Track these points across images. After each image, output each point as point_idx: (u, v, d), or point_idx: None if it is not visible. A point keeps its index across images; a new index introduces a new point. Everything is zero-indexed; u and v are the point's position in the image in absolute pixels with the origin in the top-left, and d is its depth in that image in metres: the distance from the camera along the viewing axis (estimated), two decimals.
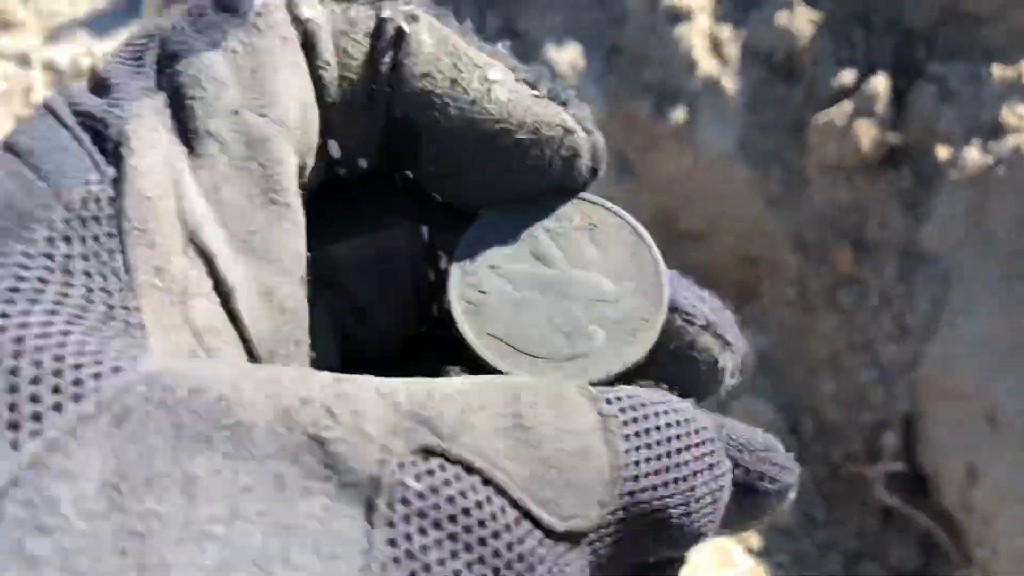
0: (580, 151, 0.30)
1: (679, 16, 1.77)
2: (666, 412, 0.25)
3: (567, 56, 1.76)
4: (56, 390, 0.20)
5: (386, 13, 0.29)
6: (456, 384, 0.24)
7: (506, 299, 0.31)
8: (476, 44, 0.30)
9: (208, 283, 0.25)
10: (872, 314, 1.79)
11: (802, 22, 1.77)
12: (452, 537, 0.21)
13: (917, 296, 1.74)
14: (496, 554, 0.21)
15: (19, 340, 0.21)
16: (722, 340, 0.31)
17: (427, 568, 0.20)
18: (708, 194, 1.84)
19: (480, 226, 0.31)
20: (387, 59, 0.29)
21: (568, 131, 0.30)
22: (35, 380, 0.20)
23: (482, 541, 0.21)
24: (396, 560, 0.20)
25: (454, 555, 0.21)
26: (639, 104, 1.77)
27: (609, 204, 0.32)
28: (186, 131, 0.25)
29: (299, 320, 0.28)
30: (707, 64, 1.76)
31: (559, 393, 0.24)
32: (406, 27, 0.28)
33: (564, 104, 0.30)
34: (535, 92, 0.29)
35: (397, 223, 0.33)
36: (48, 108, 0.25)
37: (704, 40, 1.77)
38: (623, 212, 0.33)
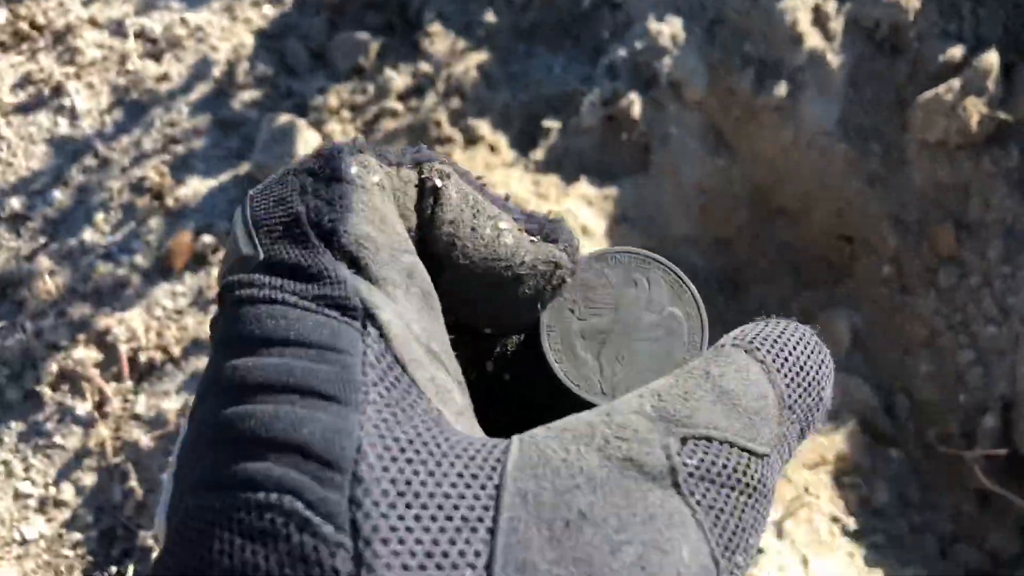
0: (566, 277, 0.41)
1: None
2: (799, 342, 0.36)
3: (668, 28, 1.74)
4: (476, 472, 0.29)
5: (426, 173, 0.37)
6: (662, 384, 0.33)
7: (621, 374, 0.41)
8: (490, 196, 0.38)
9: (449, 378, 0.33)
10: (972, 295, 1.76)
11: None
12: (722, 485, 0.31)
13: (1020, 278, 1.71)
14: (746, 485, 0.31)
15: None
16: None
17: (721, 509, 0.30)
18: (805, 170, 1.81)
19: (554, 363, 0.41)
20: (428, 208, 0.36)
21: (558, 265, 0.40)
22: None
23: (737, 480, 0.31)
24: (706, 512, 0.30)
25: (727, 497, 0.31)
26: (739, 77, 1.74)
27: (587, 255, 0.42)
28: (370, 281, 0.32)
29: (465, 389, 0.36)
30: (812, 38, 1.72)
31: (731, 357, 0.34)
32: (439, 183, 0.36)
33: (555, 241, 0.39)
34: (533, 238, 0.38)
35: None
36: (276, 300, 0.31)
37: (808, 14, 1.74)
38: (599, 250, 0.43)
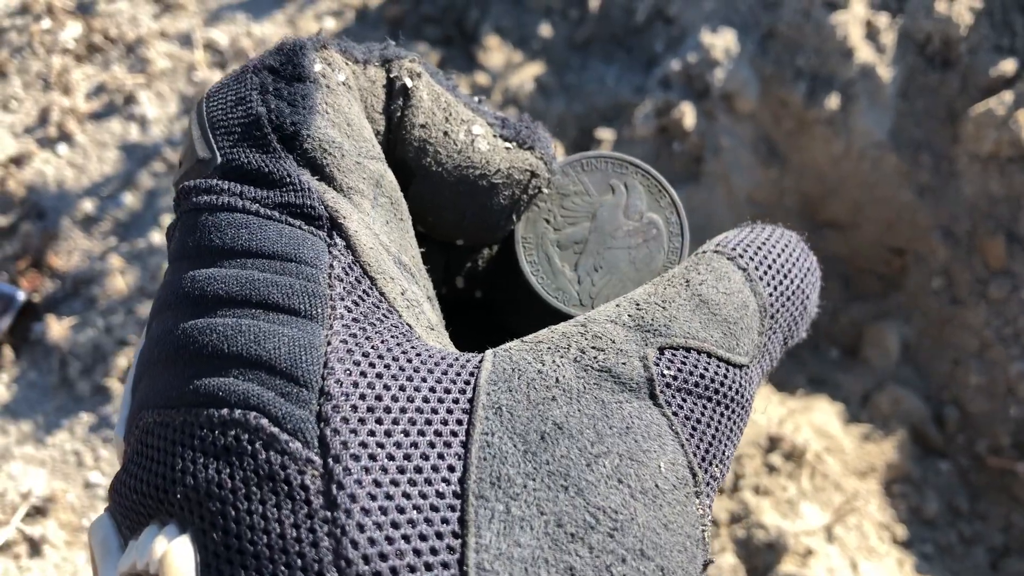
0: (543, 187, 0.38)
1: (836, 3, 1.77)
2: (783, 249, 0.34)
3: (721, 41, 1.77)
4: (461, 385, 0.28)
5: (395, 72, 0.34)
6: (641, 292, 0.32)
7: (599, 284, 0.39)
8: (463, 99, 0.36)
9: (421, 292, 0.32)
10: (1023, 306, 1.76)
11: (962, 9, 1.75)
12: (699, 396, 0.29)
13: None
14: (724, 396, 0.30)
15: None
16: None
17: (698, 420, 0.29)
18: (856, 182, 1.83)
19: (529, 274, 0.39)
20: (397, 111, 0.34)
21: (535, 174, 0.37)
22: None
23: (715, 391, 0.30)
24: (683, 423, 0.29)
25: (704, 407, 0.30)
26: (792, 89, 1.77)
27: (562, 161, 0.40)
28: (335, 190, 0.30)
29: (436, 303, 0.34)
30: (863, 51, 1.75)
31: (712, 265, 0.33)
32: (409, 83, 0.34)
33: (531, 149, 0.37)
34: (508, 144, 0.36)
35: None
36: (236, 207, 0.29)
37: (860, 27, 1.77)
38: (575, 157, 0.40)
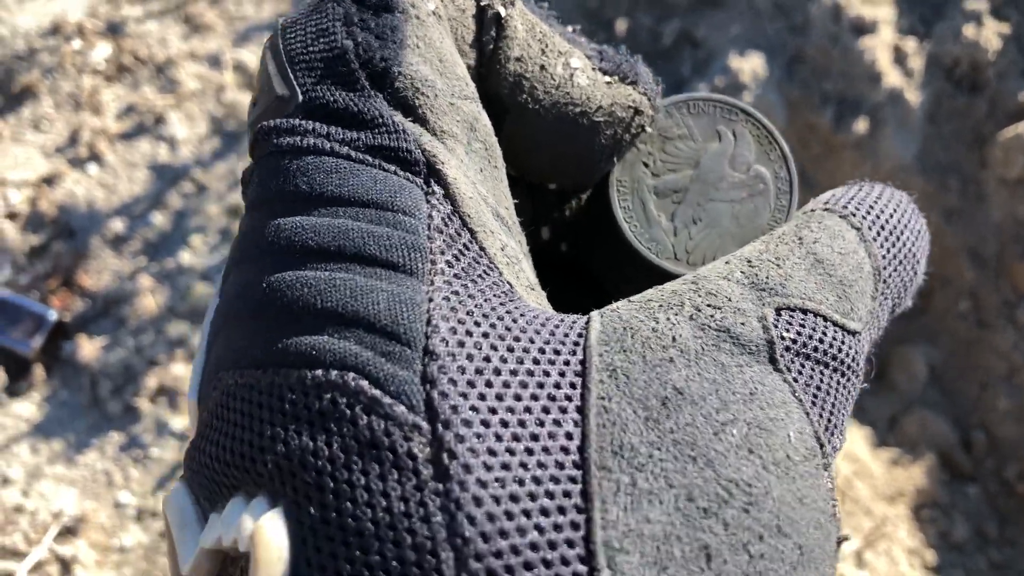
0: (646, 126, 0.35)
1: (863, 28, 1.77)
2: (896, 209, 0.32)
3: (749, 65, 1.78)
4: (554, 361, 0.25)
5: (485, 0, 0.31)
6: (751, 250, 0.30)
7: (697, 237, 0.36)
8: (558, 29, 0.33)
9: (519, 246, 0.29)
10: None
11: (989, 34, 1.76)
12: (817, 361, 0.27)
13: None
14: (841, 363, 0.28)
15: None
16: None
17: (818, 387, 0.27)
18: None
19: (622, 220, 0.35)
20: (489, 42, 0.31)
21: (638, 111, 0.34)
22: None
23: (833, 357, 0.28)
24: (804, 389, 0.27)
25: (822, 374, 0.27)
26: (820, 114, 1.78)
27: (666, 101, 0.37)
28: (428, 132, 0.27)
29: (530, 260, 0.31)
30: (891, 76, 1.76)
31: (824, 223, 0.31)
32: (502, 11, 0.30)
33: (634, 84, 0.34)
34: (608, 79, 0.33)
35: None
36: (324, 150, 0.26)
37: (888, 52, 1.78)
38: (681, 97, 0.37)
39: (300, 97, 0.27)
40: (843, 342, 0.28)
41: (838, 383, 0.28)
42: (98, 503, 1.60)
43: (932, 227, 1.83)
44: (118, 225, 1.86)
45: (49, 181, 1.88)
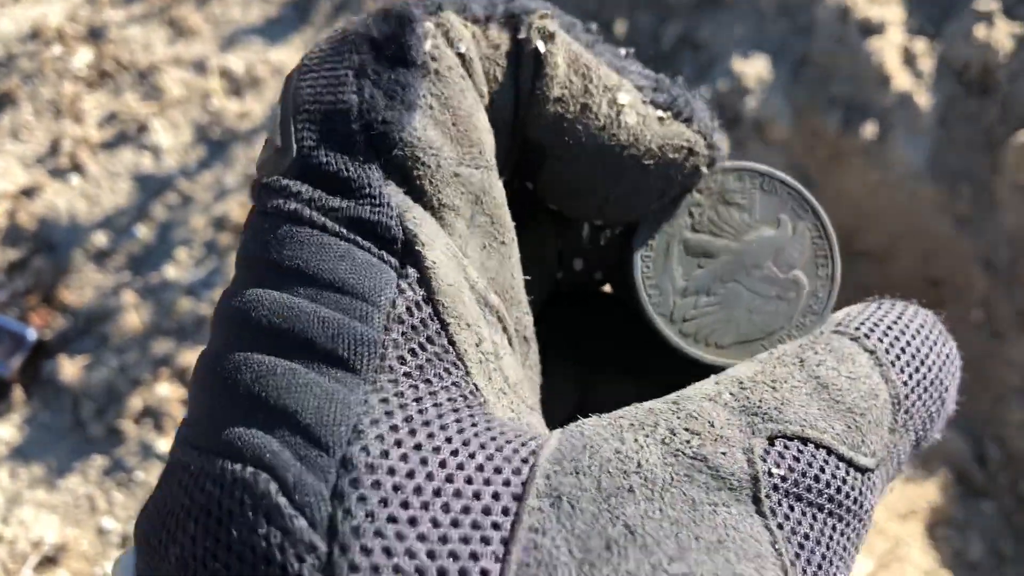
0: (701, 166, 0.32)
1: (871, 29, 1.72)
2: (919, 330, 0.29)
3: (753, 68, 1.72)
4: (497, 471, 0.22)
5: (523, 34, 0.28)
6: (744, 370, 0.26)
7: (702, 309, 0.33)
8: (606, 57, 0.30)
9: (505, 339, 0.27)
10: None
11: (1001, 35, 1.70)
12: (810, 503, 0.24)
13: None
14: (840, 505, 0.24)
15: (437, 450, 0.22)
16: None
17: (806, 536, 0.24)
18: (892, 212, 1.78)
19: (638, 248, 0.33)
20: (526, 81, 0.28)
21: (692, 152, 0.31)
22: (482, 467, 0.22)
23: (830, 499, 0.24)
24: (788, 539, 0.23)
25: (814, 519, 0.24)
26: (826, 118, 1.72)
27: (746, 165, 0.34)
28: (422, 206, 0.26)
29: (533, 344, 0.29)
30: (900, 79, 1.70)
31: (831, 345, 0.27)
32: (542, 48, 0.28)
33: (688, 121, 0.30)
34: (661, 114, 0.30)
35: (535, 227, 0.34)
36: (303, 219, 0.25)
37: (897, 54, 1.72)
38: (729, 163, 0.34)
39: (293, 153, 0.26)
40: (847, 480, 0.25)
41: (834, 530, 0.24)
42: (80, 530, 1.54)
43: (942, 234, 1.77)
44: (100, 238, 1.80)
45: (28, 192, 1.82)
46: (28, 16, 2.03)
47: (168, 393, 1.63)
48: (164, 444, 1.61)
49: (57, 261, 1.76)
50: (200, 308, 1.72)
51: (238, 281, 0.26)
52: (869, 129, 1.71)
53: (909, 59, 1.73)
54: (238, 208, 1.81)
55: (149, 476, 1.59)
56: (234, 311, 0.25)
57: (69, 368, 1.64)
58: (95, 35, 2.02)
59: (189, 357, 1.66)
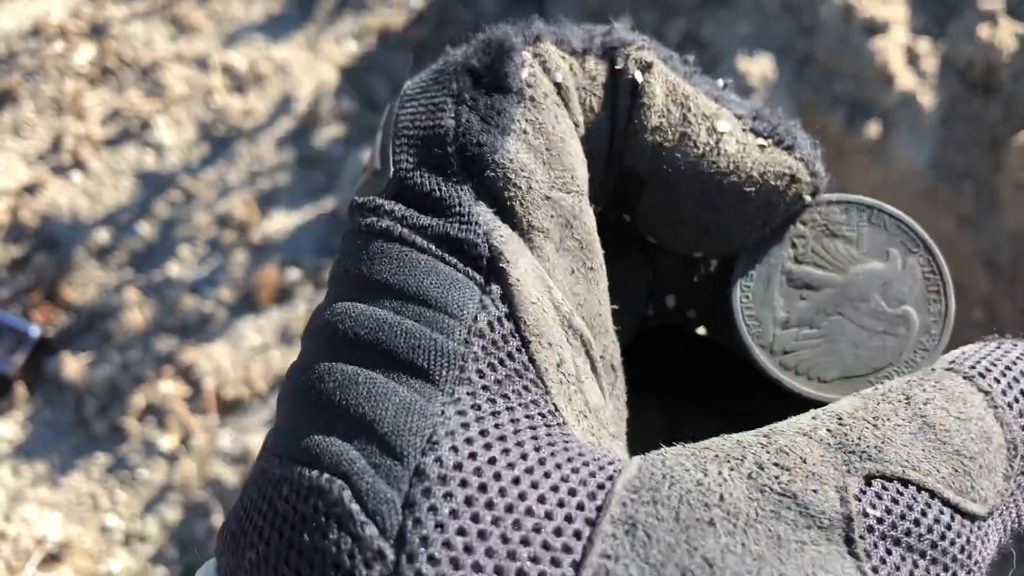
0: (804, 194, 0.31)
1: (875, 28, 1.72)
2: None
3: (757, 66, 1.72)
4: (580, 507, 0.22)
5: (620, 64, 0.28)
6: (845, 405, 0.25)
7: (803, 342, 0.32)
8: (704, 87, 0.30)
9: (587, 363, 0.27)
10: None
11: (1004, 35, 1.70)
12: (910, 548, 0.23)
13: None
14: (944, 553, 0.23)
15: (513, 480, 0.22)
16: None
17: None
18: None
19: (738, 277, 0.32)
20: (624, 111, 0.29)
21: (794, 179, 0.30)
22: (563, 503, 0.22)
23: (933, 545, 0.23)
24: None
25: (916, 564, 0.22)
26: (830, 116, 1.72)
27: (854, 198, 0.33)
28: (511, 227, 0.26)
29: (620, 373, 0.29)
30: (904, 78, 1.70)
31: (942, 383, 0.26)
32: (640, 78, 0.28)
33: (790, 148, 0.30)
34: (762, 142, 0.29)
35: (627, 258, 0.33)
36: (394, 236, 0.25)
37: (901, 53, 1.72)
38: (835, 195, 0.33)
39: (390, 174, 0.27)
40: (952, 527, 0.23)
41: None
42: (83, 527, 1.54)
43: (945, 234, 1.77)
44: (103, 235, 1.79)
45: (31, 190, 1.81)
46: (30, 12, 2.03)
47: (171, 390, 1.63)
48: (167, 441, 1.61)
49: (59, 258, 1.76)
50: (203, 305, 1.72)
51: (330, 296, 0.26)
52: (872, 128, 1.72)
53: (913, 58, 1.73)
54: (241, 205, 1.80)
55: (152, 474, 1.59)
56: (323, 323, 0.25)
57: (72, 365, 1.64)
58: (97, 32, 2.01)
59: (192, 355, 1.66)
